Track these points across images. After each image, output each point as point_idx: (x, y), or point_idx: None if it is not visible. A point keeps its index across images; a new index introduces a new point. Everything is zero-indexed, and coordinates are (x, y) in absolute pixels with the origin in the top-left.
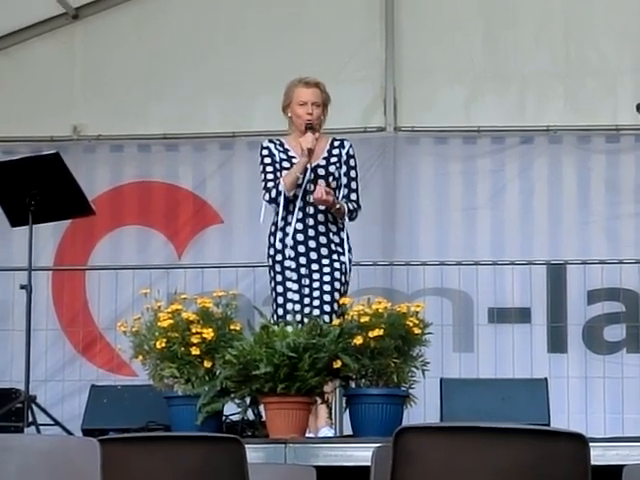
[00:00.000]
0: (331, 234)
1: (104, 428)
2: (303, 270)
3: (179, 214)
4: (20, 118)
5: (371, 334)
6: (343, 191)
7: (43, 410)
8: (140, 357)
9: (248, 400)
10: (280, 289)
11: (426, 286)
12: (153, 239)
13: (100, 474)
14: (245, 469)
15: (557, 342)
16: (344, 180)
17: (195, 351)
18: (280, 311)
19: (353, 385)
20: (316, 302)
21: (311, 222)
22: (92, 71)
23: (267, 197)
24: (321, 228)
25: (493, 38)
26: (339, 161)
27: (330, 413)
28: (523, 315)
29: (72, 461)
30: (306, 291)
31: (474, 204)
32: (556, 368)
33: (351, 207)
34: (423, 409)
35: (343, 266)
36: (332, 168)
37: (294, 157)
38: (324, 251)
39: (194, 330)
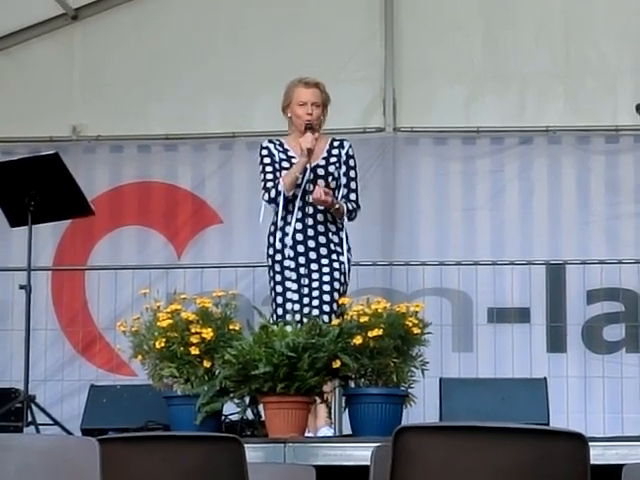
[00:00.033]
0: (330, 234)
1: (103, 428)
2: (302, 270)
3: (178, 214)
4: (19, 118)
5: (370, 334)
6: (342, 191)
7: (42, 410)
8: (139, 357)
9: (247, 400)
10: (279, 289)
11: (425, 286)
12: (152, 239)
13: (99, 474)
14: (244, 469)
15: (556, 342)
16: (343, 180)
17: (194, 351)
18: (279, 311)
19: (352, 385)
20: (315, 302)
21: (310, 222)
22: (91, 71)
23: (266, 197)
24: (320, 228)
25: (493, 38)
26: (338, 161)
27: (329, 413)
28: (522, 315)
29: (71, 461)
30: (305, 291)
31: (473, 204)
32: (555, 368)
33: (350, 207)
34: (422, 409)
35: (342, 266)
36: (331, 168)
37: (294, 157)
38: (323, 251)
39: (193, 330)
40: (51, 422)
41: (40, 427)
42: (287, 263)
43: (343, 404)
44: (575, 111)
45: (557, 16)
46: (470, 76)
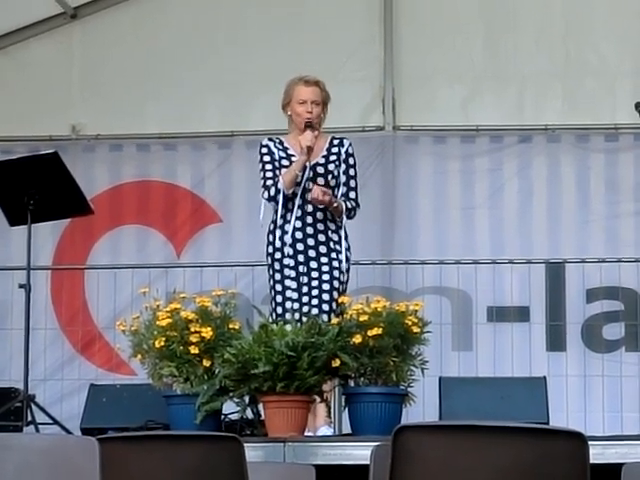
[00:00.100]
0: (330, 232)
1: (103, 427)
2: (301, 268)
3: (178, 213)
4: (19, 118)
5: (370, 333)
6: (342, 189)
7: (42, 409)
8: (139, 356)
9: (247, 399)
10: (279, 287)
11: (425, 285)
12: (152, 238)
13: (99, 473)
14: (244, 468)
15: (556, 341)
16: (343, 178)
17: (194, 350)
18: (279, 309)
19: (352, 384)
20: (315, 301)
21: (310, 220)
22: (91, 70)
23: (266, 195)
24: (320, 226)
25: (493, 41)
26: (338, 159)
27: (329, 412)
28: (522, 314)
29: (71, 460)
30: (305, 290)
31: (473, 203)
32: (555, 367)
33: (349, 205)
34: (422, 408)
35: (342, 265)
36: (331, 166)
37: (293, 155)
38: (323, 249)
39: (193, 329)
40: (51, 421)
41: (40, 426)
42: (286, 261)
43: (343, 403)
44: (574, 109)
45: (557, 19)
46: (469, 75)
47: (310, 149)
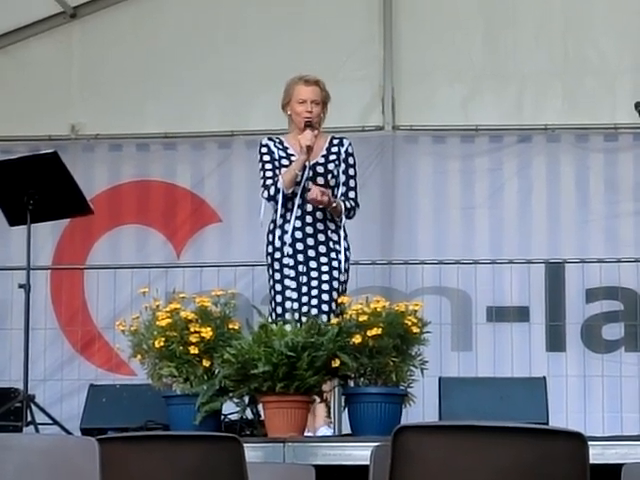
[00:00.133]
0: (330, 232)
1: (103, 427)
2: (301, 268)
3: (178, 213)
4: (18, 117)
5: (370, 333)
6: (342, 189)
7: (42, 409)
8: (139, 356)
9: (247, 399)
10: (279, 287)
11: (425, 285)
12: (152, 238)
13: (99, 473)
14: (244, 468)
15: (556, 341)
16: (342, 178)
17: (194, 350)
18: (279, 309)
19: (352, 384)
20: (314, 301)
21: (310, 220)
22: (90, 70)
23: (266, 194)
24: (320, 226)
25: (492, 38)
26: (338, 159)
27: (329, 412)
28: (522, 314)
29: (71, 460)
30: (304, 289)
31: (472, 203)
32: (555, 367)
33: (348, 205)
34: (422, 408)
35: (341, 265)
36: (331, 166)
37: (293, 155)
38: (322, 249)
39: (193, 329)
40: (50, 422)
41: (39, 427)
42: (286, 261)
43: (342, 403)
44: (574, 109)
45: (557, 15)
46: (469, 75)
47: (310, 148)
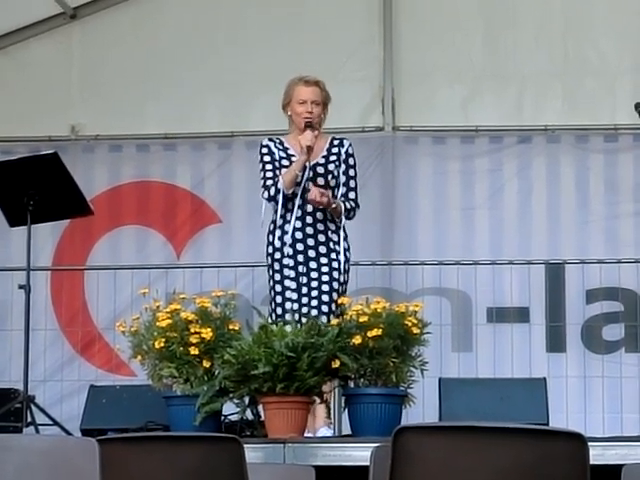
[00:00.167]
0: (330, 232)
1: (103, 428)
2: (301, 268)
3: (177, 214)
4: (18, 118)
5: (370, 334)
6: (342, 190)
7: (42, 410)
8: (139, 357)
9: (247, 400)
10: (279, 288)
11: (425, 286)
12: (152, 239)
13: (99, 474)
14: (244, 469)
15: (556, 342)
16: (343, 179)
17: (194, 351)
18: (279, 310)
19: (352, 385)
20: (314, 302)
21: (310, 220)
22: (90, 71)
23: (266, 195)
24: (320, 226)
25: (492, 38)
26: (338, 159)
27: (329, 413)
28: (522, 315)
29: (71, 461)
30: (304, 290)
31: (472, 204)
32: (555, 368)
33: (348, 206)
34: (422, 409)
35: (341, 265)
36: (331, 166)
37: (293, 156)
38: (322, 249)
39: (193, 330)
40: (50, 422)
41: (39, 427)
42: (286, 261)
43: (342, 404)
44: (574, 110)
45: (557, 16)
46: (469, 75)
47: (310, 149)
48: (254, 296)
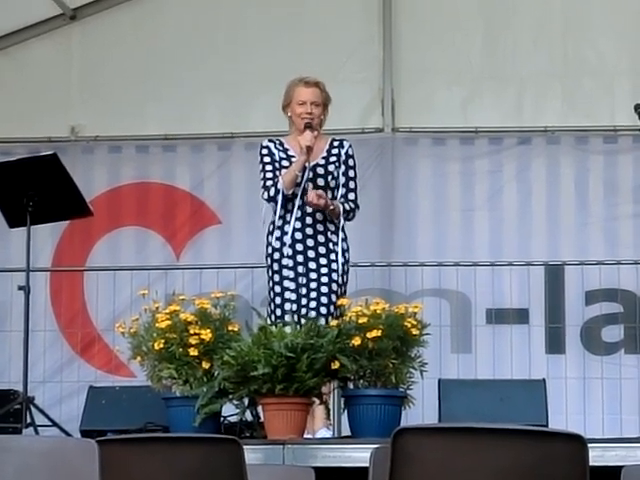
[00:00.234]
0: (329, 233)
1: (102, 429)
2: (300, 269)
3: (177, 215)
4: (18, 119)
5: (369, 335)
6: (341, 191)
7: (41, 411)
8: (138, 358)
9: (246, 401)
10: (278, 289)
11: (424, 287)
12: (151, 240)
13: (98, 475)
14: (243, 470)
15: (555, 343)
16: (342, 180)
17: (193, 352)
18: (278, 311)
19: (351, 386)
20: (313, 303)
21: (309, 221)
22: (90, 72)
23: (266, 195)
24: (319, 227)
25: (492, 39)
26: (338, 160)
27: (328, 414)
28: (521, 316)
29: (70, 462)
30: (303, 291)
31: (472, 205)
32: (554, 369)
33: (348, 207)
34: (421, 410)
35: (340, 266)
36: (331, 167)
37: (293, 156)
38: (322, 250)
39: (192, 331)
40: (50, 423)
41: (39, 428)
42: (285, 262)
43: (342, 405)
44: (573, 111)
45: (556, 17)
46: (468, 77)
47: (309, 149)
48: (253, 297)
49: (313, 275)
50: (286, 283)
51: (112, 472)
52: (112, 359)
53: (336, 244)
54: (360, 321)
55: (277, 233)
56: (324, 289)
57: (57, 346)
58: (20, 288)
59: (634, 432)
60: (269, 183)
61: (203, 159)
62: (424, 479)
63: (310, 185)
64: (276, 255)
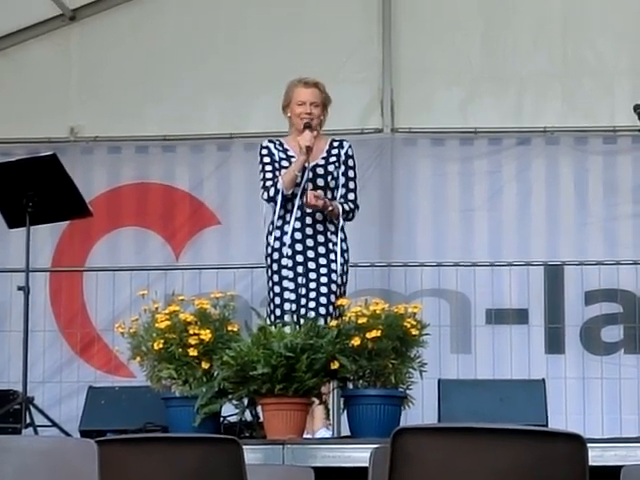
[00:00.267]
0: (329, 233)
1: (102, 429)
2: (300, 269)
3: (176, 215)
4: (17, 119)
5: (369, 335)
6: (341, 191)
7: (41, 411)
8: (138, 358)
9: (246, 401)
10: (277, 289)
11: (424, 287)
12: (150, 240)
13: (98, 475)
14: (243, 470)
15: (555, 343)
16: (342, 180)
17: (193, 352)
18: (277, 311)
19: (351, 386)
20: (312, 304)
21: (309, 221)
22: (89, 72)
23: (265, 196)
24: (319, 227)
25: (491, 39)
26: (338, 161)
27: (328, 414)
28: (521, 316)
29: (70, 462)
30: (302, 291)
31: (471, 205)
32: (554, 369)
33: (347, 208)
34: (421, 410)
35: (340, 267)
36: (331, 167)
37: (293, 157)
38: (322, 250)
39: (192, 331)
40: (49, 424)
41: (38, 429)
42: (285, 262)
43: (341, 405)
44: (573, 112)
45: (556, 17)
46: (468, 77)
47: (309, 149)
48: (253, 297)
49: (312, 275)
50: (285, 283)
51: (111, 472)
52: (112, 359)
53: (336, 244)
54: (360, 321)
55: (277, 233)
56: (323, 289)
57: (56, 346)
58: (20, 288)
59: (634, 432)
60: (269, 183)
61: (202, 159)
62: (424, 479)
63: (310, 185)
64: (275, 255)
